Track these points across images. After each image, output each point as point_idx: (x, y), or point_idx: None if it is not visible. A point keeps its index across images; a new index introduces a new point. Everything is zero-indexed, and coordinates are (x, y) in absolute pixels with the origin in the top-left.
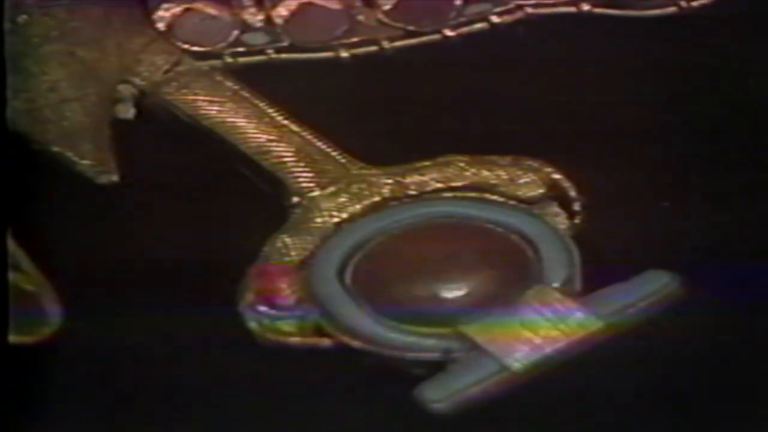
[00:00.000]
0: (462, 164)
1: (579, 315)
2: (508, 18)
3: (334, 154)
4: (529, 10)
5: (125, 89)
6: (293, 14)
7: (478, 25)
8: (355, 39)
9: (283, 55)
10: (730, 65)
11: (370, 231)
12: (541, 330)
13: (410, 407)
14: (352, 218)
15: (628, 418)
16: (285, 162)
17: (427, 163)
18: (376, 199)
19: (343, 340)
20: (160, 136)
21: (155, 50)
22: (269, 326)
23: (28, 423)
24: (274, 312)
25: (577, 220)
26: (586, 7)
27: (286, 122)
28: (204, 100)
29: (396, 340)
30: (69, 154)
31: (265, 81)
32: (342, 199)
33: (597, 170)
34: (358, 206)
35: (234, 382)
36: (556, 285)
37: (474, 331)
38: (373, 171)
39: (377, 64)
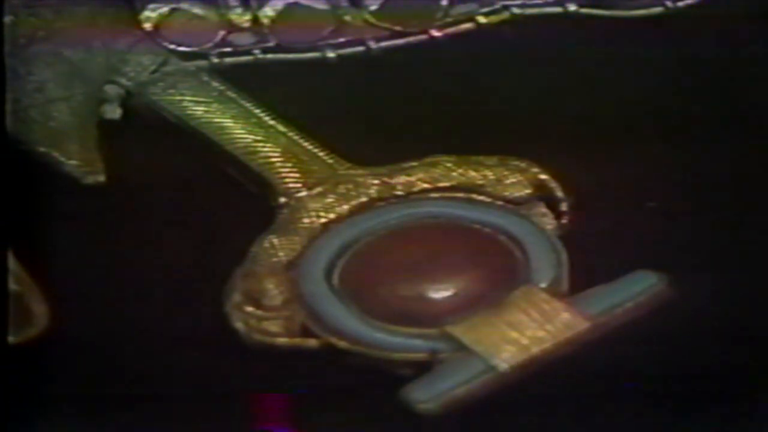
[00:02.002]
0: (449, 164)
1: (566, 315)
2: (494, 18)
3: (321, 154)
4: (516, 10)
5: (112, 89)
6: (280, 14)
7: (465, 26)
8: (341, 39)
9: (270, 56)
10: (715, 65)
11: (357, 231)
12: (528, 330)
13: (397, 407)
14: (339, 218)
15: (615, 417)
16: (272, 162)
17: (413, 163)
18: (363, 199)
19: (330, 340)
20: (147, 137)
21: (142, 50)
22: (256, 326)
23: (15, 423)
24: (261, 312)
25: (564, 221)
26: (572, 8)
27: (272, 122)
28: (190, 101)
29: (383, 341)
30: (55, 154)
31: (251, 81)
32: (329, 200)
33: (584, 170)
34: (345, 206)
35: (220, 383)
36: (543, 285)
37: (461, 331)
38: (360, 171)
39: (364, 64)
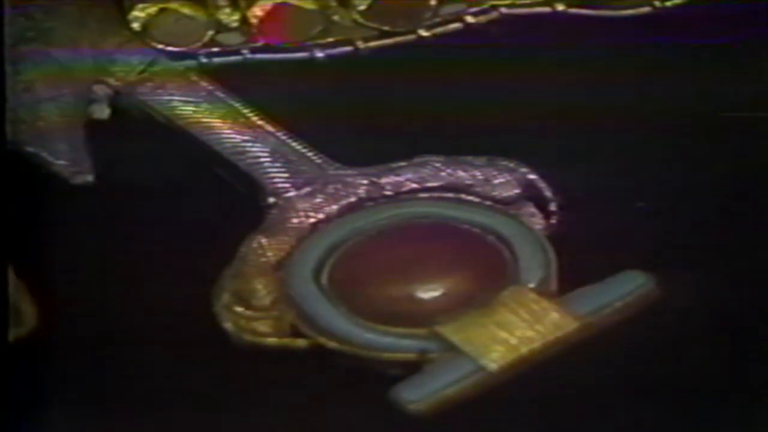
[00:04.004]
0: (437, 164)
1: (555, 315)
2: (482, 18)
3: (309, 154)
4: (504, 10)
5: (100, 89)
6: (268, 14)
7: (453, 25)
8: (330, 39)
9: (258, 56)
10: (703, 65)
11: (346, 231)
12: (517, 330)
13: (387, 408)
14: (328, 219)
15: (603, 417)
16: (260, 162)
17: (402, 163)
18: (352, 199)
19: (319, 340)
20: (136, 137)
21: (130, 50)
22: (245, 327)
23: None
24: (250, 313)
25: (552, 221)
26: (560, 7)
27: (261, 122)
28: (179, 101)
29: (372, 341)
30: (44, 154)
31: (240, 81)
32: (318, 200)
33: (572, 170)
34: (334, 206)
35: (210, 383)
36: (531, 285)
37: (450, 331)
38: (349, 171)
39: (352, 64)
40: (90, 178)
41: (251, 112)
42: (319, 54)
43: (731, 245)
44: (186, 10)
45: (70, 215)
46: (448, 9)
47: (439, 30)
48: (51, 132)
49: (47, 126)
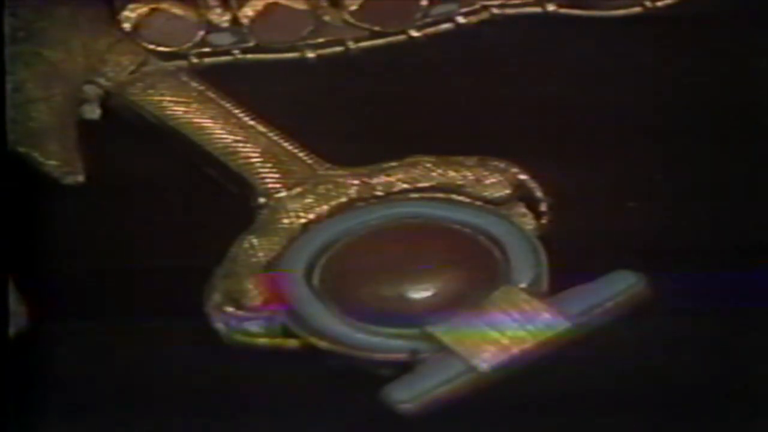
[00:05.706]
0: (428, 165)
1: (546, 316)
2: (473, 18)
3: (300, 154)
4: (495, 10)
5: (91, 90)
6: (259, 14)
7: (444, 26)
8: (321, 39)
9: (249, 56)
10: (694, 65)
11: (337, 232)
12: (508, 331)
13: (378, 408)
14: (319, 219)
15: (594, 418)
16: (252, 163)
17: (393, 163)
18: (343, 199)
19: (311, 341)
20: (126, 137)
21: (121, 50)
22: (236, 327)
23: None
24: (241, 313)
25: (543, 221)
26: (551, 8)
27: (252, 123)
28: (170, 101)
29: (363, 341)
30: (35, 154)
31: (231, 81)
32: (309, 200)
33: (563, 171)
34: (324, 207)
35: (201, 384)
36: (523, 286)
37: (441, 332)
38: (340, 172)
39: (343, 64)
40: (81, 178)
41: (242, 112)
42: (310, 54)
43: (722, 245)
44: (177, 11)
45: (60, 215)
46: (439, 9)
47: (430, 30)
48: (42, 132)
49: (38, 126)
